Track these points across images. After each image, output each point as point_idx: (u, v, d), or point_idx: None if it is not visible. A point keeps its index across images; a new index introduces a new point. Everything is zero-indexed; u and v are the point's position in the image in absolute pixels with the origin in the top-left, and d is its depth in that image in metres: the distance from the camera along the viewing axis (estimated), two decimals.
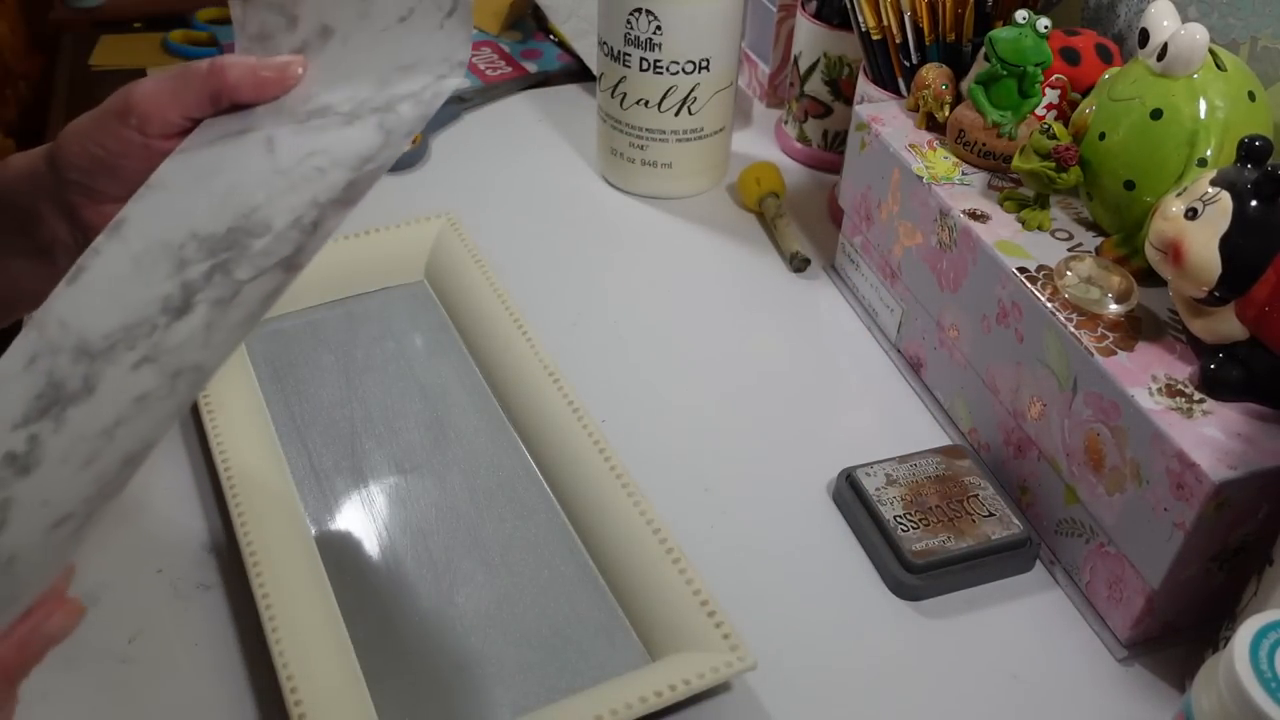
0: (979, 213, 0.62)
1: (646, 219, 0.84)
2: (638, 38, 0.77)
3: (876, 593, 0.57)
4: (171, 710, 0.50)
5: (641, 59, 0.78)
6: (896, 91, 0.75)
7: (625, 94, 0.80)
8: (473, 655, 0.53)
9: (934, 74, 0.68)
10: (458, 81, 0.44)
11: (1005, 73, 0.63)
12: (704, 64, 0.79)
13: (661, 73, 0.78)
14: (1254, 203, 0.48)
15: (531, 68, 1.00)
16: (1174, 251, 0.50)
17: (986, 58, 0.64)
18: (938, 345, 0.67)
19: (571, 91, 0.99)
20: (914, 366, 0.70)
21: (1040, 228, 0.61)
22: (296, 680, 0.48)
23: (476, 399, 0.66)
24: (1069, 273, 0.57)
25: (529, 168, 0.88)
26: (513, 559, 0.57)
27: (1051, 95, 0.66)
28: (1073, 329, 0.54)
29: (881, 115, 0.70)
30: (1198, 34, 0.54)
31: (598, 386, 0.67)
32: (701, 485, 0.63)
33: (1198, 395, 0.51)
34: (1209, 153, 0.55)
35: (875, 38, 0.75)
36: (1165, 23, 0.56)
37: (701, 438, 0.65)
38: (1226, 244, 0.49)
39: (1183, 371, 0.52)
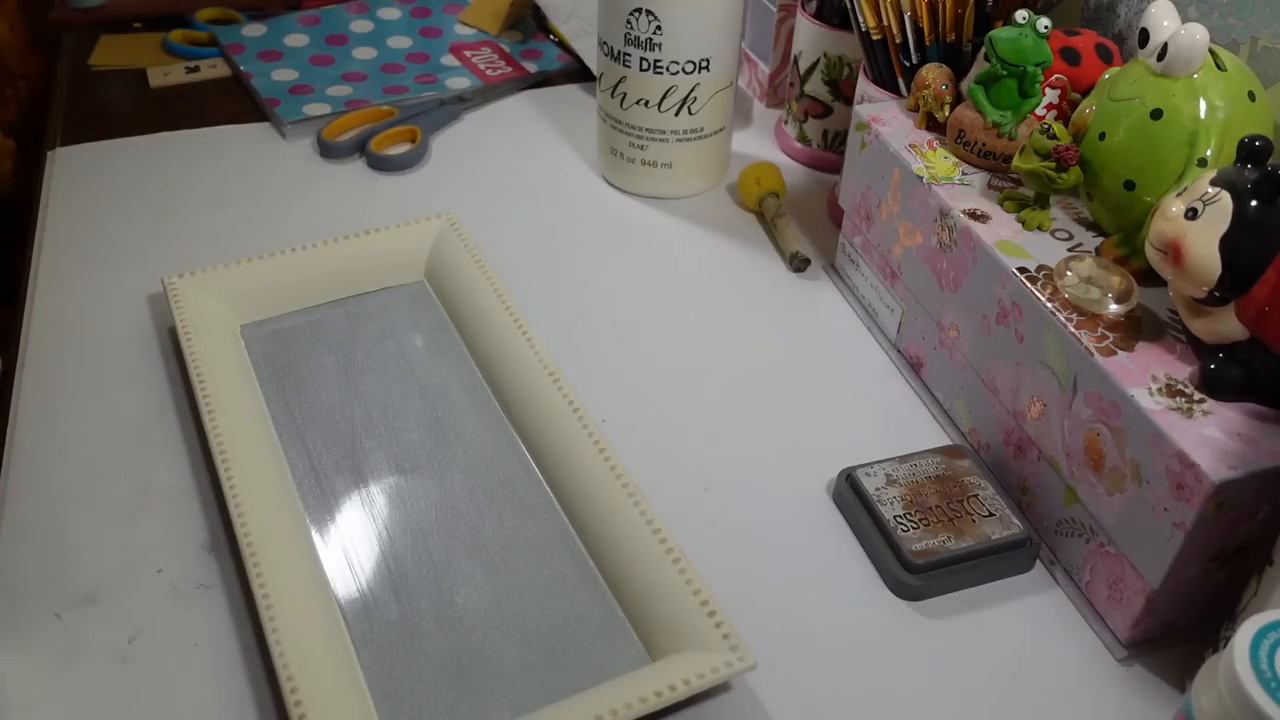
0: (979, 213, 0.62)
1: (646, 219, 0.84)
2: (638, 38, 0.77)
3: (876, 593, 0.57)
4: (171, 710, 0.50)
5: (641, 59, 0.78)
6: (896, 91, 0.75)
7: (625, 94, 0.80)
8: (473, 655, 0.53)
9: (934, 74, 0.68)
10: None
11: (1005, 73, 0.63)
12: (704, 64, 0.79)
13: (661, 73, 0.78)
14: (1254, 203, 0.48)
15: (531, 68, 1.00)
16: (1174, 251, 0.50)
17: (986, 58, 0.64)
18: (938, 345, 0.67)
19: (571, 91, 0.99)
20: (914, 366, 0.70)
21: (1040, 228, 0.61)
22: (296, 680, 0.48)
23: (476, 399, 0.66)
24: (1069, 273, 0.57)
25: (529, 168, 0.88)
26: (513, 559, 0.57)
27: (1051, 95, 0.66)
28: (1073, 329, 0.54)
29: (881, 115, 0.70)
30: (1198, 34, 0.54)
31: (598, 386, 0.67)
32: (701, 485, 0.62)
33: (1198, 395, 0.51)
34: (1209, 153, 0.55)
35: (875, 38, 0.75)
36: (1165, 23, 0.56)
37: (701, 438, 0.65)
38: (1226, 244, 0.49)
39: (1183, 371, 0.52)
